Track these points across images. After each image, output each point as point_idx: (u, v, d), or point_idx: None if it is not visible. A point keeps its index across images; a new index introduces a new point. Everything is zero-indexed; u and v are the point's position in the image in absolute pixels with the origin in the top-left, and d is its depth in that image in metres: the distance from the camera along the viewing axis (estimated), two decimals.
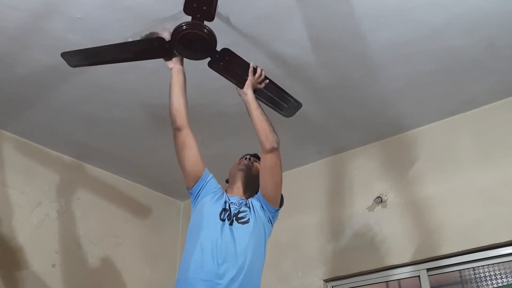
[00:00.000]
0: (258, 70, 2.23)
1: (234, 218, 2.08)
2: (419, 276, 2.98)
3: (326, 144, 3.44)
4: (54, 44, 2.44)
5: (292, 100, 2.41)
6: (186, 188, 2.21)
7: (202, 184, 2.15)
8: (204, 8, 1.97)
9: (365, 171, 3.37)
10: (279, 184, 2.17)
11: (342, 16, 2.33)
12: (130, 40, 2.17)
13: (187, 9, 1.98)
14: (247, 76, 2.22)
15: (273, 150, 2.11)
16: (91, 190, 3.52)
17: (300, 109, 2.99)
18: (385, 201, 3.19)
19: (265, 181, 2.14)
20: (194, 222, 2.13)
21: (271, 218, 2.19)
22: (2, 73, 2.64)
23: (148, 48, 2.15)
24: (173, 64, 2.20)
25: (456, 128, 3.11)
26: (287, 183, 3.66)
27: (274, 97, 2.36)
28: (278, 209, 2.21)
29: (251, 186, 2.26)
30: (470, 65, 2.68)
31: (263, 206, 2.15)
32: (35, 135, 3.22)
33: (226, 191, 2.26)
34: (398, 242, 3.05)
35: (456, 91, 2.90)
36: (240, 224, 2.06)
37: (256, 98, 2.24)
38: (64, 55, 2.20)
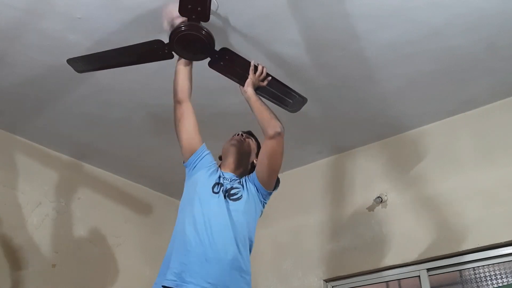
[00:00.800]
0: (259, 68, 2.25)
1: (226, 194, 2.08)
2: (419, 276, 2.98)
3: (326, 144, 3.44)
4: (54, 44, 2.44)
5: (297, 96, 2.43)
6: (184, 161, 2.22)
7: (197, 157, 2.17)
8: (199, 9, 1.98)
9: (365, 171, 3.37)
10: (276, 171, 2.17)
11: (342, 16, 2.33)
12: None
13: (182, 11, 1.99)
14: (248, 73, 2.24)
15: (276, 135, 2.09)
16: (91, 190, 3.52)
17: (301, 109, 3.01)
18: (385, 201, 3.19)
19: (262, 164, 2.14)
20: (186, 194, 2.14)
21: (263, 199, 2.20)
22: (2, 73, 2.64)
23: (149, 50, 2.16)
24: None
25: (456, 128, 3.11)
26: (288, 183, 3.68)
27: (278, 93, 2.37)
28: (271, 192, 2.22)
29: (243, 162, 2.27)
30: (470, 65, 2.68)
31: (256, 186, 2.16)
32: (35, 135, 3.21)
33: (219, 167, 2.27)
34: (398, 242, 3.05)
35: (456, 91, 2.90)
36: (231, 201, 2.07)
37: (260, 95, 2.26)
38: (70, 61, 2.26)
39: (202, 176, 2.13)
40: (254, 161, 2.30)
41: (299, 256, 3.41)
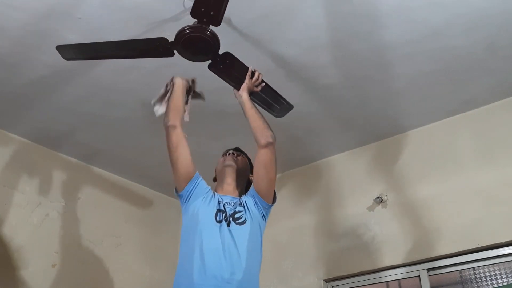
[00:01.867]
0: (256, 74, 2.28)
1: (231, 218, 2.07)
2: (419, 276, 2.98)
3: (326, 144, 3.44)
4: (54, 44, 2.43)
5: (284, 102, 2.47)
6: (175, 190, 2.18)
7: (193, 185, 2.13)
8: (212, 13, 1.97)
9: (365, 171, 3.37)
10: (273, 180, 2.18)
11: (342, 16, 2.33)
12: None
13: (194, 13, 1.98)
14: (245, 79, 2.27)
15: (268, 144, 2.14)
16: (92, 190, 3.52)
17: (300, 109, 3.01)
18: (385, 201, 3.19)
19: (260, 177, 2.15)
20: (188, 227, 2.09)
21: (264, 214, 2.20)
22: (2, 73, 2.64)
23: (149, 47, 2.15)
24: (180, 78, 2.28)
25: (456, 128, 3.11)
26: (288, 183, 3.70)
27: (268, 99, 2.42)
28: (271, 205, 2.23)
29: (241, 181, 2.28)
30: (470, 65, 2.68)
31: (257, 202, 2.16)
32: (35, 135, 3.21)
33: (216, 190, 2.25)
34: (398, 242, 3.05)
35: (456, 91, 2.90)
36: (237, 225, 2.06)
37: (251, 99, 2.29)
38: (60, 48, 2.18)
39: (201, 205, 2.09)
40: (250, 177, 2.32)
41: (299, 256, 3.41)
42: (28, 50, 2.48)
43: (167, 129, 2.15)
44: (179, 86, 2.25)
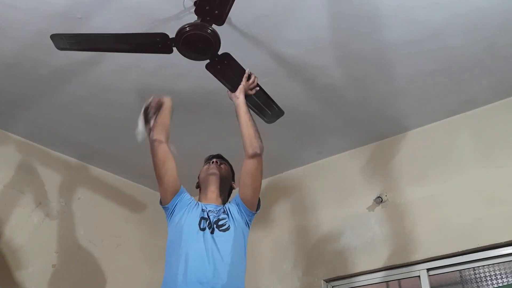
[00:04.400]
0: (252, 77, 2.29)
1: (215, 225, 2.10)
2: (419, 276, 2.98)
3: (326, 144, 3.43)
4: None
5: (276, 108, 2.48)
6: (161, 203, 2.21)
7: (178, 198, 2.17)
8: (216, 12, 1.97)
9: (365, 171, 3.37)
10: (258, 189, 2.22)
11: (342, 16, 2.33)
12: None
13: (198, 10, 1.97)
14: (240, 81, 2.27)
15: (256, 156, 2.18)
16: (91, 190, 3.52)
17: (301, 109, 3.01)
18: (385, 201, 3.19)
19: (245, 185, 2.19)
20: (173, 237, 2.13)
21: (248, 221, 2.23)
22: (2, 73, 2.64)
23: (148, 42, 2.12)
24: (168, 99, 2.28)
25: (456, 128, 3.11)
26: (287, 183, 3.70)
27: (260, 103, 2.43)
28: (255, 213, 2.26)
29: (224, 189, 2.31)
30: (470, 65, 2.68)
31: (241, 209, 2.20)
32: (35, 135, 3.21)
33: (199, 198, 2.29)
34: (398, 242, 3.05)
35: (456, 91, 2.90)
36: (221, 232, 2.09)
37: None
38: (54, 36, 2.12)
39: (185, 215, 2.14)
40: (233, 184, 2.37)
41: (299, 256, 3.41)
42: (28, 50, 2.48)
43: (153, 144, 2.15)
44: (168, 106, 2.25)
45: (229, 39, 2.33)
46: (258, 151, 2.18)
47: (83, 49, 2.24)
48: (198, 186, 2.37)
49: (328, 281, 3.29)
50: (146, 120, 2.23)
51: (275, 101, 2.47)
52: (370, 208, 3.24)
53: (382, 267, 3.09)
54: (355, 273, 3.18)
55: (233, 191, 2.41)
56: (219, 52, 2.15)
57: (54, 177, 3.33)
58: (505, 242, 2.73)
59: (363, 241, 3.19)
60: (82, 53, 2.49)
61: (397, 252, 3.04)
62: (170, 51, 2.14)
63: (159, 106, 2.23)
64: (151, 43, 2.12)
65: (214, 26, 2.03)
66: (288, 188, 3.69)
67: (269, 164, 3.66)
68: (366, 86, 2.84)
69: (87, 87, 2.78)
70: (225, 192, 2.33)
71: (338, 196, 3.42)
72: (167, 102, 2.26)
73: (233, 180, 2.42)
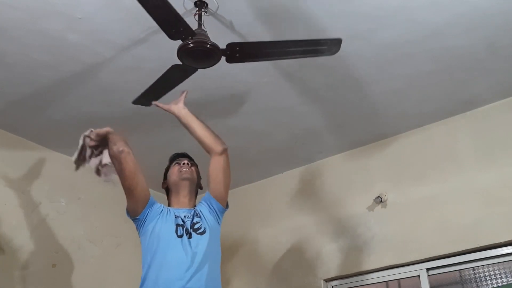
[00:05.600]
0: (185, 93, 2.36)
1: (191, 230, 2.11)
2: (419, 276, 2.99)
3: (327, 144, 3.44)
4: (54, 44, 2.44)
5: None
6: (131, 215, 2.18)
7: (149, 207, 2.14)
8: (237, 55, 2.13)
9: (365, 171, 3.37)
10: (229, 184, 2.27)
11: (342, 16, 2.33)
12: None
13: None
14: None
15: (224, 150, 2.23)
16: (91, 190, 3.51)
17: (300, 109, 3.01)
18: (385, 201, 3.19)
19: (218, 182, 2.22)
20: (149, 246, 2.12)
21: (219, 220, 2.25)
22: (2, 73, 2.64)
23: (170, 19, 2.05)
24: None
25: (456, 128, 3.11)
26: (287, 183, 3.70)
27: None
28: (226, 209, 2.28)
29: (195, 192, 2.33)
30: (470, 65, 2.68)
31: (213, 207, 2.21)
32: (35, 135, 3.21)
33: (170, 203, 2.28)
34: (398, 242, 3.06)
35: (456, 91, 2.90)
36: (198, 235, 2.10)
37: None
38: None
39: (159, 224, 2.12)
40: (201, 185, 2.37)
41: (299, 256, 3.41)
42: (28, 50, 2.48)
43: (121, 155, 2.07)
44: (113, 132, 2.15)
45: (229, 39, 2.33)
46: (225, 146, 2.23)
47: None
48: (166, 187, 2.35)
49: (328, 281, 3.29)
50: (82, 157, 2.19)
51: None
52: (370, 208, 3.24)
53: (381, 267, 3.09)
54: (355, 273, 3.18)
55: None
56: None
57: (54, 177, 3.32)
58: (504, 242, 2.73)
59: (363, 241, 3.19)
60: (82, 53, 2.50)
61: (397, 252, 3.04)
62: (175, 39, 2.12)
63: (101, 138, 2.14)
64: (171, 21, 2.06)
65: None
66: (288, 188, 3.69)
67: (269, 164, 3.68)
68: (366, 86, 2.84)
69: (87, 87, 2.78)
70: (196, 194, 2.33)
71: (338, 196, 3.42)
72: (109, 130, 2.14)
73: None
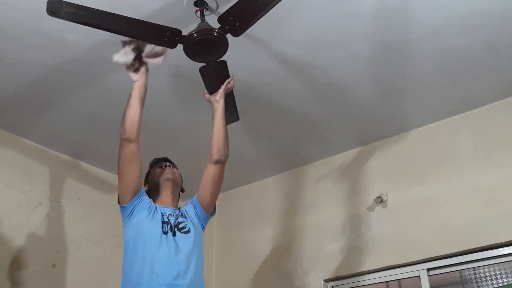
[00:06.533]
0: (232, 82, 2.33)
1: (176, 228, 2.14)
2: (419, 276, 2.98)
3: (326, 144, 3.43)
4: (54, 44, 2.44)
5: (235, 113, 2.51)
6: (120, 202, 2.19)
7: (138, 199, 2.16)
8: (237, 24, 2.00)
9: (365, 171, 3.37)
10: (216, 194, 2.29)
11: (342, 16, 2.33)
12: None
13: (222, 18, 1.99)
14: (221, 85, 2.30)
15: (219, 162, 2.25)
16: (91, 190, 3.52)
17: (301, 109, 3.02)
18: (385, 201, 3.19)
19: (205, 189, 2.26)
20: (133, 239, 2.11)
21: (203, 224, 2.28)
22: (2, 73, 2.64)
23: (156, 33, 2.07)
24: (138, 77, 2.13)
25: (456, 128, 3.11)
26: (287, 183, 3.70)
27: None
28: (210, 216, 2.31)
29: (177, 193, 2.34)
30: (470, 65, 2.68)
31: (197, 212, 2.25)
32: (35, 135, 3.21)
33: (154, 202, 2.28)
34: (398, 242, 3.05)
35: (456, 91, 2.90)
36: (182, 234, 2.13)
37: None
38: (53, 1, 1.93)
39: (146, 218, 2.13)
40: (183, 188, 2.39)
41: (299, 256, 3.41)
42: (28, 50, 2.48)
43: (123, 142, 2.13)
44: (136, 88, 2.12)
45: (228, 39, 2.33)
46: (223, 159, 2.25)
47: (78, 22, 2.03)
48: (147, 188, 2.35)
49: (328, 281, 3.29)
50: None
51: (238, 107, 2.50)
52: (370, 208, 3.24)
53: (382, 267, 3.09)
54: (355, 273, 3.18)
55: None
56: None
57: (54, 177, 3.33)
58: (505, 242, 2.72)
59: (363, 241, 3.19)
60: (82, 53, 2.50)
61: (397, 252, 3.04)
62: (174, 46, 2.11)
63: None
64: (158, 33, 2.07)
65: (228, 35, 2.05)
66: (288, 187, 3.69)
67: (269, 164, 3.68)
68: (366, 86, 2.84)
69: (87, 87, 2.78)
70: (178, 196, 2.35)
71: (338, 196, 3.42)
72: (138, 87, 2.11)
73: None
